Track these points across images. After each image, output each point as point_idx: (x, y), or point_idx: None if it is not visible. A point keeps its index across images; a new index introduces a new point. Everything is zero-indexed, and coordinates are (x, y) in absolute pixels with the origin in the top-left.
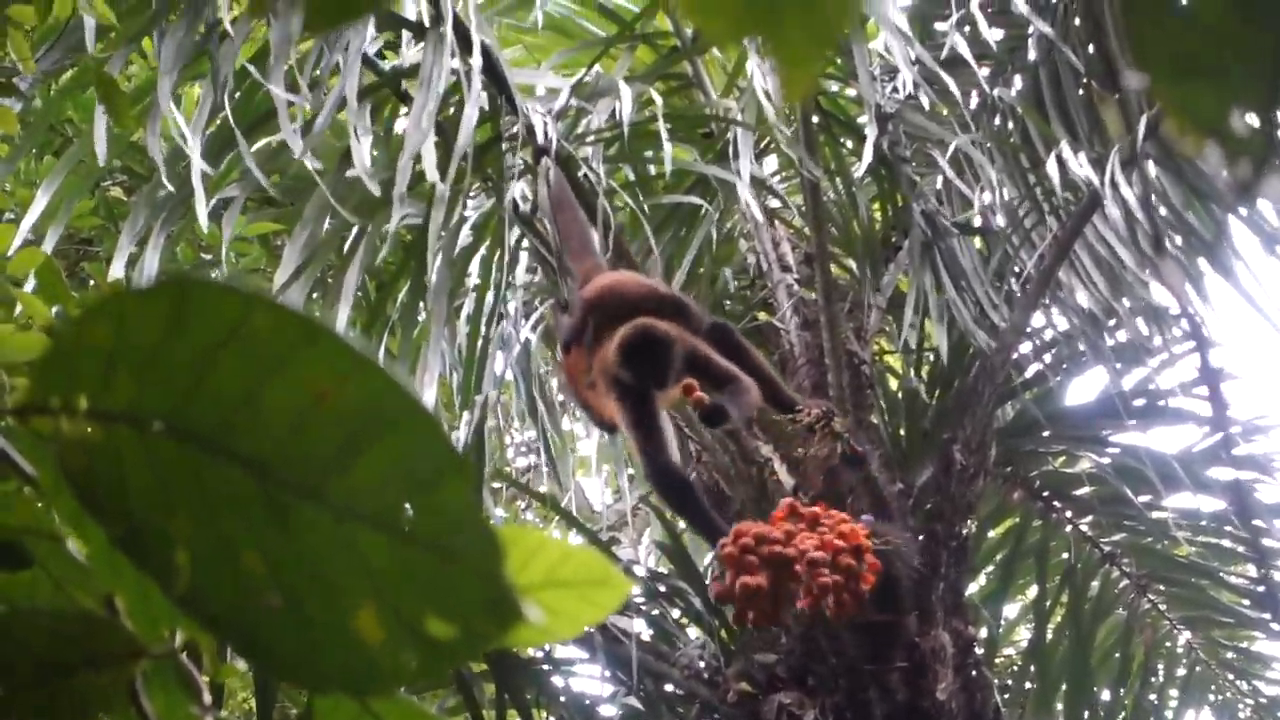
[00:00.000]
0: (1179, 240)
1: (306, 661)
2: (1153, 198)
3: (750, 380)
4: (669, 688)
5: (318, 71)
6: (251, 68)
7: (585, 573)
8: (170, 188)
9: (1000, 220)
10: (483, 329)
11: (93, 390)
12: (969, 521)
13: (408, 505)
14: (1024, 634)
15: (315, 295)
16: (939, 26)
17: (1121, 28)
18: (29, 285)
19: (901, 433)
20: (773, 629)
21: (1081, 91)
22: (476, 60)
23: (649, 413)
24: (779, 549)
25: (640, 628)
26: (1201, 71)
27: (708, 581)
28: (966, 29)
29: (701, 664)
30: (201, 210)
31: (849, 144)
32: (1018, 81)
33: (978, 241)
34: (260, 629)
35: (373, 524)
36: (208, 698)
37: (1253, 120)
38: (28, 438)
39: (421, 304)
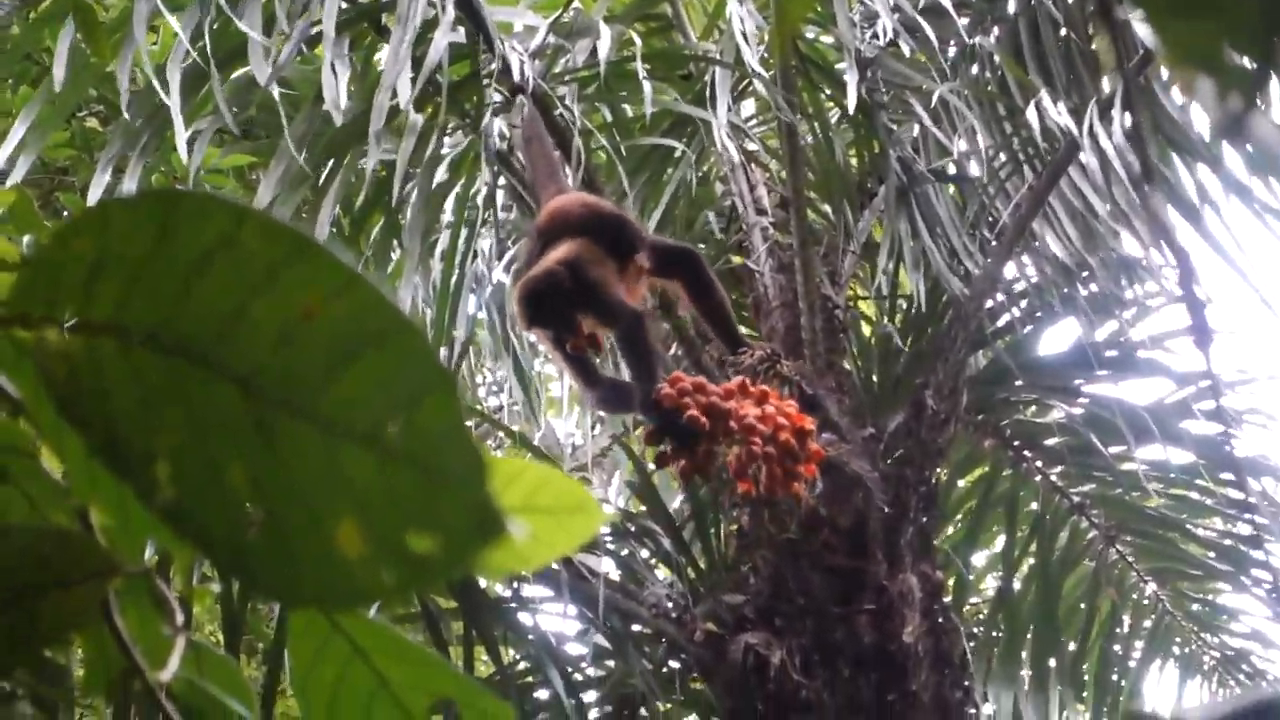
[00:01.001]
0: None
1: (285, 576)
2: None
3: (639, 311)
4: (636, 627)
5: (292, 3)
6: (223, 2)
7: (562, 499)
8: (136, 119)
9: (976, 168)
10: (457, 267)
11: (76, 300)
12: (939, 467)
13: (393, 421)
14: (992, 582)
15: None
16: None
17: None
18: None
19: (874, 378)
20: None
21: (1060, 41)
22: None
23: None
24: (716, 400)
25: (608, 566)
26: (1196, 6)
27: (637, 431)
28: None
29: (669, 603)
30: (181, 142)
31: (827, 89)
32: (996, 31)
33: (953, 189)
34: (242, 543)
35: (358, 440)
36: (180, 617)
37: (1244, 53)
38: (6, 349)
39: (396, 240)
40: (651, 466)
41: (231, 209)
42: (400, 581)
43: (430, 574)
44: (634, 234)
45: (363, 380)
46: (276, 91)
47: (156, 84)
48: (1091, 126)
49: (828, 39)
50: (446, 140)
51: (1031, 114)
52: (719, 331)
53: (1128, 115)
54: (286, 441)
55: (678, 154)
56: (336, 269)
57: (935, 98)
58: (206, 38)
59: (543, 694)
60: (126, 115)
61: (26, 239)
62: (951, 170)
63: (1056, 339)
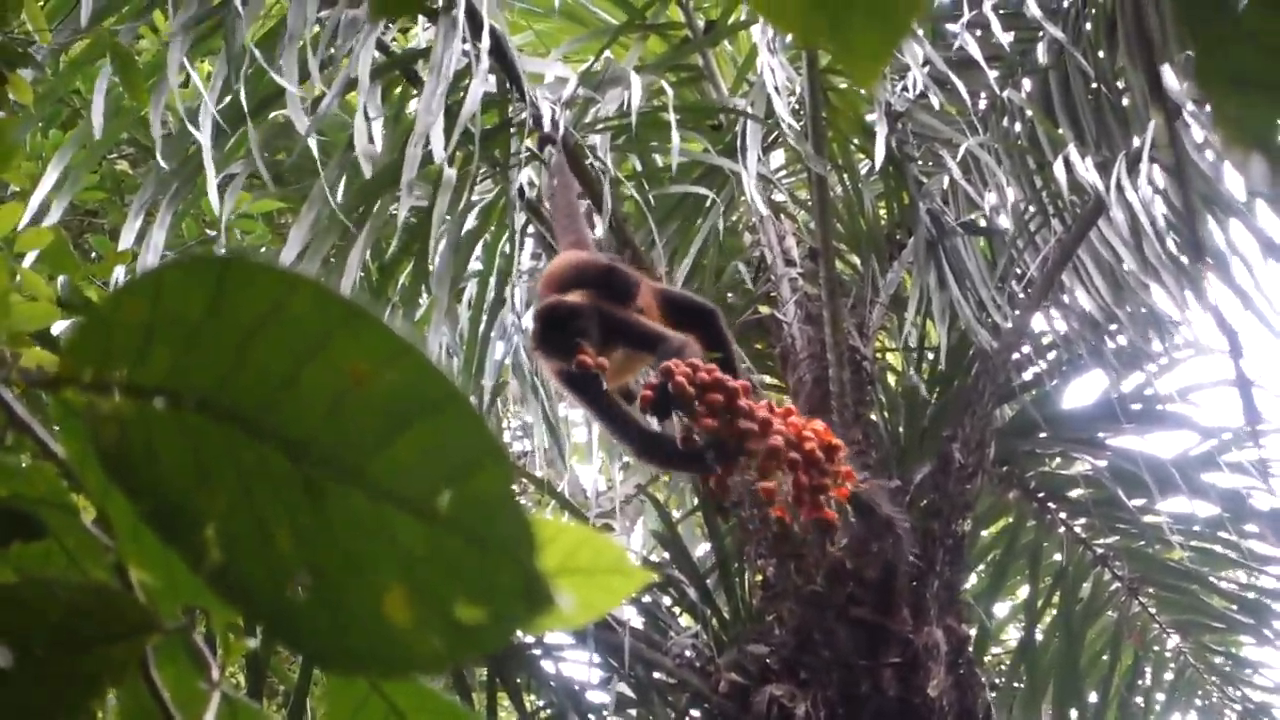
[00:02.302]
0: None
1: (334, 642)
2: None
3: (681, 337)
4: (660, 676)
5: (332, 50)
6: (256, 52)
7: (600, 560)
8: (165, 165)
9: (1005, 221)
10: (485, 315)
11: (128, 364)
12: (965, 519)
13: (443, 490)
14: (1013, 633)
15: (318, 275)
16: (950, 27)
17: (1180, 44)
18: (27, 260)
19: (901, 430)
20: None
21: (1090, 94)
22: (485, 43)
23: (602, 397)
24: (721, 379)
25: (632, 615)
26: (1257, 87)
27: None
28: (978, 31)
29: (693, 653)
30: (212, 187)
31: (856, 141)
32: (1027, 84)
33: (982, 242)
34: (289, 608)
35: (408, 508)
36: (216, 673)
37: None
38: (57, 409)
39: (424, 287)
40: (676, 515)
41: (283, 277)
42: (448, 650)
43: (478, 643)
44: (625, 280)
45: (413, 449)
46: (314, 142)
47: (196, 127)
48: (1120, 180)
49: (860, 90)
50: (476, 188)
51: (1060, 168)
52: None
53: (1156, 169)
54: (336, 508)
55: (707, 204)
56: (387, 337)
57: (965, 150)
58: (242, 84)
59: None
60: (161, 161)
61: (61, 279)
62: (981, 223)
63: (1082, 392)
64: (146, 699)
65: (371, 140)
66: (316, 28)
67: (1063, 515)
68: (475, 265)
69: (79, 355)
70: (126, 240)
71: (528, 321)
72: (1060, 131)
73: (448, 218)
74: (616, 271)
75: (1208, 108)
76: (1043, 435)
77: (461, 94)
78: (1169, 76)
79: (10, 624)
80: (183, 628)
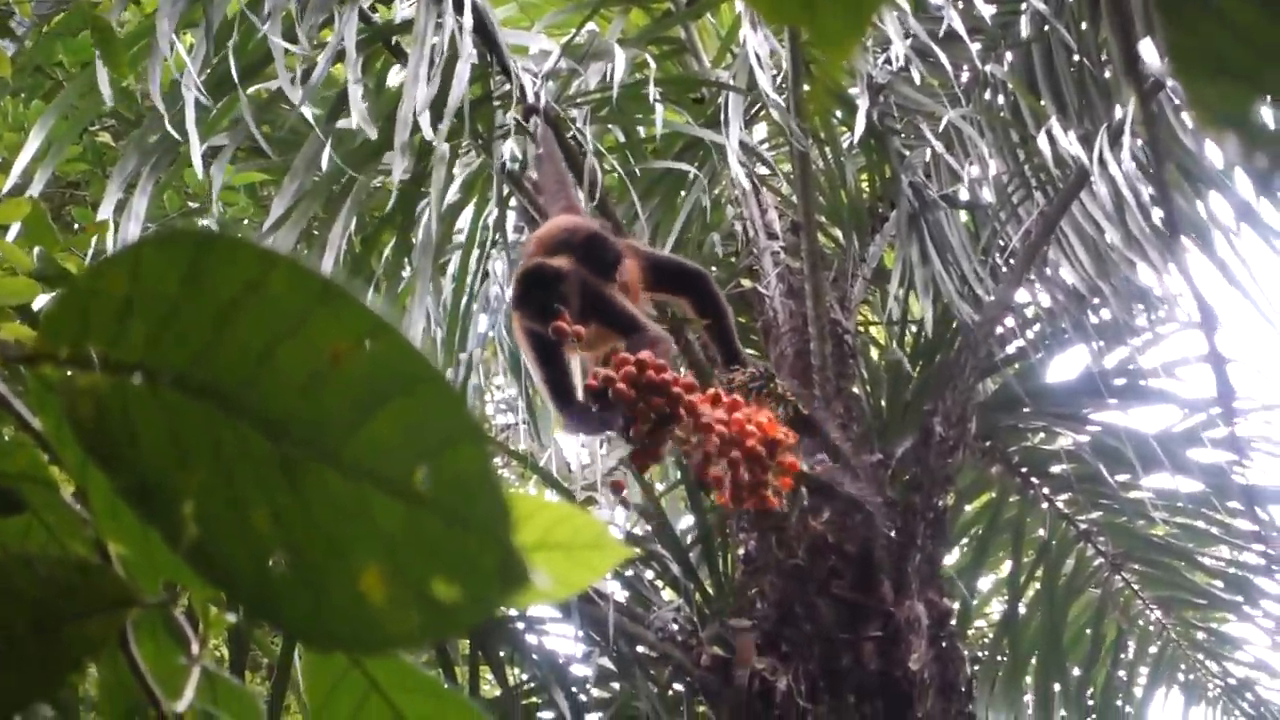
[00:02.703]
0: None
1: (312, 620)
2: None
3: (657, 330)
4: (642, 649)
5: (314, 22)
6: (252, 16)
7: (580, 536)
8: (173, 133)
9: (988, 194)
10: (468, 286)
11: (105, 340)
12: (947, 494)
13: (420, 467)
14: (996, 608)
15: (300, 247)
16: (932, 0)
17: (1155, 24)
18: (11, 233)
19: (883, 403)
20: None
21: (1072, 67)
22: (468, 19)
23: (558, 359)
24: (664, 379)
25: (615, 589)
26: (1231, 69)
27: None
28: (960, 3)
29: (675, 627)
30: (197, 158)
31: (839, 114)
32: (1009, 57)
33: (964, 215)
34: (266, 585)
35: (384, 485)
36: (196, 648)
37: (1275, 115)
38: (33, 384)
39: (407, 259)
40: (660, 488)
41: (261, 254)
42: (424, 627)
43: (454, 620)
44: (612, 250)
45: (390, 426)
46: (309, 112)
47: (184, 96)
48: (1103, 153)
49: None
50: (458, 160)
51: (1043, 140)
52: (721, 347)
53: (1139, 141)
54: (312, 485)
55: (690, 178)
56: (364, 315)
57: (947, 123)
58: (231, 54)
59: (548, 715)
60: (170, 129)
61: (37, 250)
62: (963, 196)
63: (1065, 366)
64: (126, 674)
65: (363, 111)
66: (294, 3)
67: (1045, 490)
68: (458, 238)
69: (56, 330)
70: (106, 211)
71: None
72: (1042, 104)
73: (428, 191)
74: (601, 240)
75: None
76: (1026, 410)
77: (445, 65)
78: (1147, 53)
79: None
80: (163, 602)
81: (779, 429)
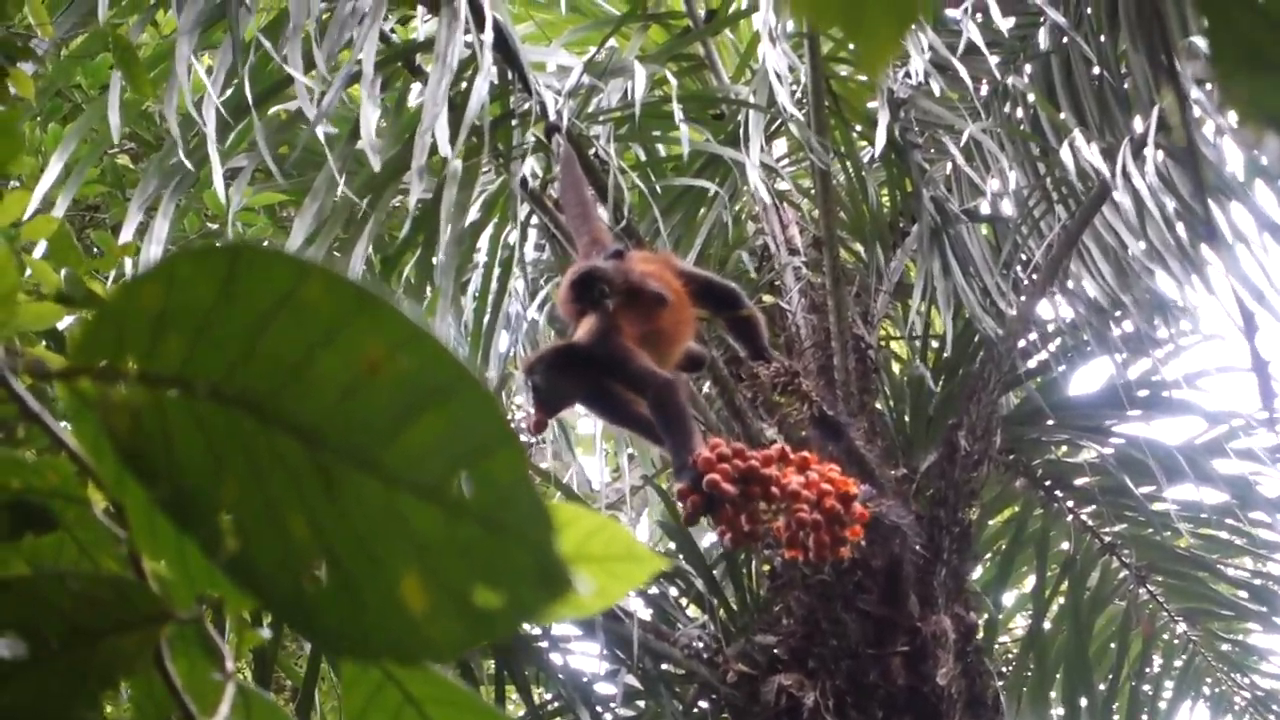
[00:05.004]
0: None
1: (349, 629)
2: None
3: (666, 376)
4: (667, 667)
5: (335, 40)
6: (266, 41)
7: (613, 547)
8: (187, 163)
9: (1009, 208)
10: (489, 306)
11: (141, 353)
12: (971, 507)
13: (458, 475)
14: (1021, 622)
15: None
16: (951, 13)
17: (1193, 20)
18: (38, 252)
19: (906, 418)
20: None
21: (1093, 80)
22: (488, 35)
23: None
24: (755, 465)
25: (640, 606)
26: (1271, 66)
27: (675, 487)
28: (979, 16)
29: (701, 644)
30: (218, 179)
31: (859, 129)
32: (1029, 69)
33: (986, 229)
34: (304, 596)
35: (422, 494)
36: (230, 664)
37: None
38: (67, 399)
39: (428, 279)
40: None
41: (296, 264)
42: (465, 636)
43: (496, 627)
44: (599, 284)
45: (427, 434)
46: (322, 132)
47: (202, 119)
48: (1125, 165)
49: (862, 77)
50: (479, 179)
51: (1065, 153)
52: (750, 345)
53: (1160, 153)
54: (350, 494)
55: (711, 194)
56: (400, 323)
57: (967, 137)
58: (246, 75)
59: None
60: (183, 157)
61: (65, 271)
62: (985, 210)
63: (1088, 379)
64: (160, 690)
65: (373, 134)
66: (313, 24)
67: (1070, 503)
68: (480, 257)
69: (91, 345)
70: (128, 234)
71: (536, 314)
72: (1063, 116)
73: (451, 210)
74: (587, 278)
75: (1209, 87)
76: (1049, 423)
77: (463, 84)
78: (1183, 55)
79: (23, 616)
80: (197, 617)
81: (849, 482)
